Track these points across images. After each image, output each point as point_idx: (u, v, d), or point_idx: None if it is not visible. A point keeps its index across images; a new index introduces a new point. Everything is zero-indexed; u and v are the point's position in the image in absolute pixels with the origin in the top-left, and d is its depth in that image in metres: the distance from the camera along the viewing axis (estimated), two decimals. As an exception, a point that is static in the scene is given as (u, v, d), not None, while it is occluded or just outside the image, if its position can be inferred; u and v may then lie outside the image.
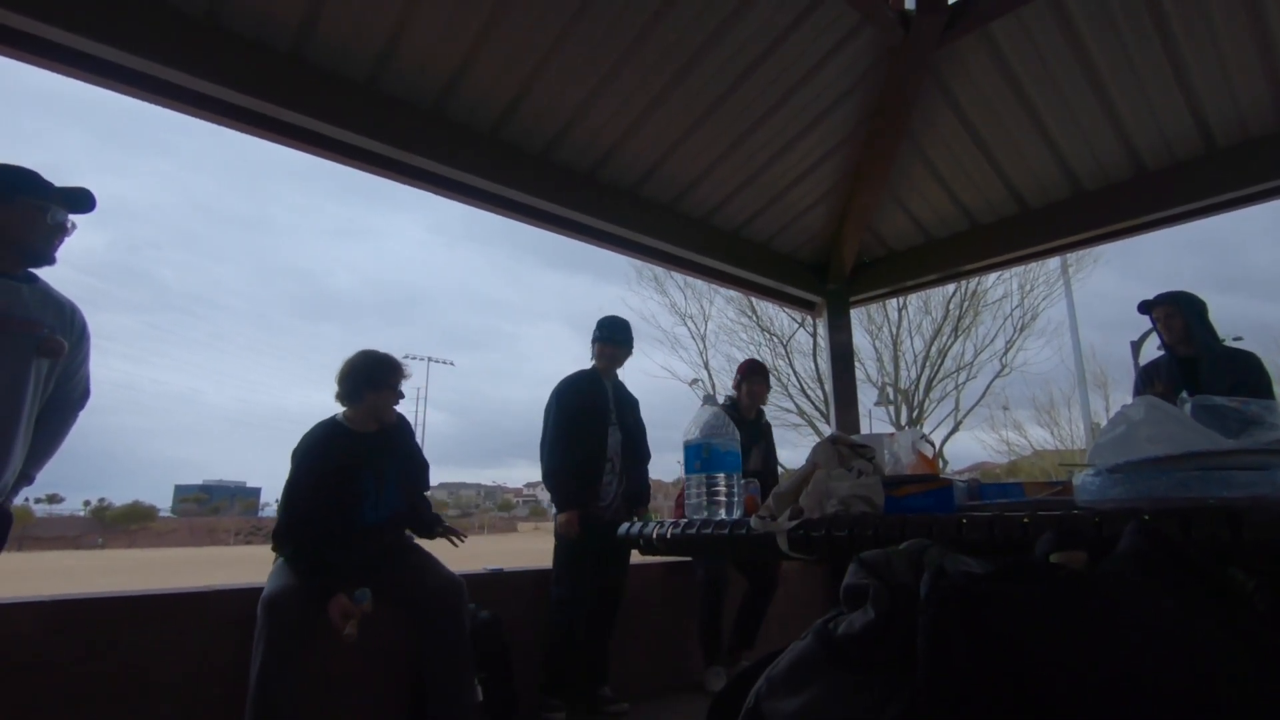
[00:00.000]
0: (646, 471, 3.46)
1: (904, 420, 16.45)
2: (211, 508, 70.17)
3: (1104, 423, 1.41)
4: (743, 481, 1.56)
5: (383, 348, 2.66)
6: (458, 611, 2.43)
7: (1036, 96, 3.34)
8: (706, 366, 17.63)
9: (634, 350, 3.45)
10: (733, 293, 15.12)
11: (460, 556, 2.66)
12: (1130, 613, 0.71)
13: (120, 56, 2.21)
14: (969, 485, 1.48)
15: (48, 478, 2.02)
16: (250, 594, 2.28)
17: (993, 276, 15.18)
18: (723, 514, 1.48)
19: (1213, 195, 3.38)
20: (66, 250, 1.95)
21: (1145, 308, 3.25)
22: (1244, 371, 2.94)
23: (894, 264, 4.56)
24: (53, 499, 58.58)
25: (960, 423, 16.60)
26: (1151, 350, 3.54)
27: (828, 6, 2.97)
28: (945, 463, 15.77)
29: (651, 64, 3.00)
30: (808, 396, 16.44)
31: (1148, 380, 3.22)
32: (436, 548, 2.65)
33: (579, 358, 3.93)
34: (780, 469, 5.05)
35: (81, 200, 1.94)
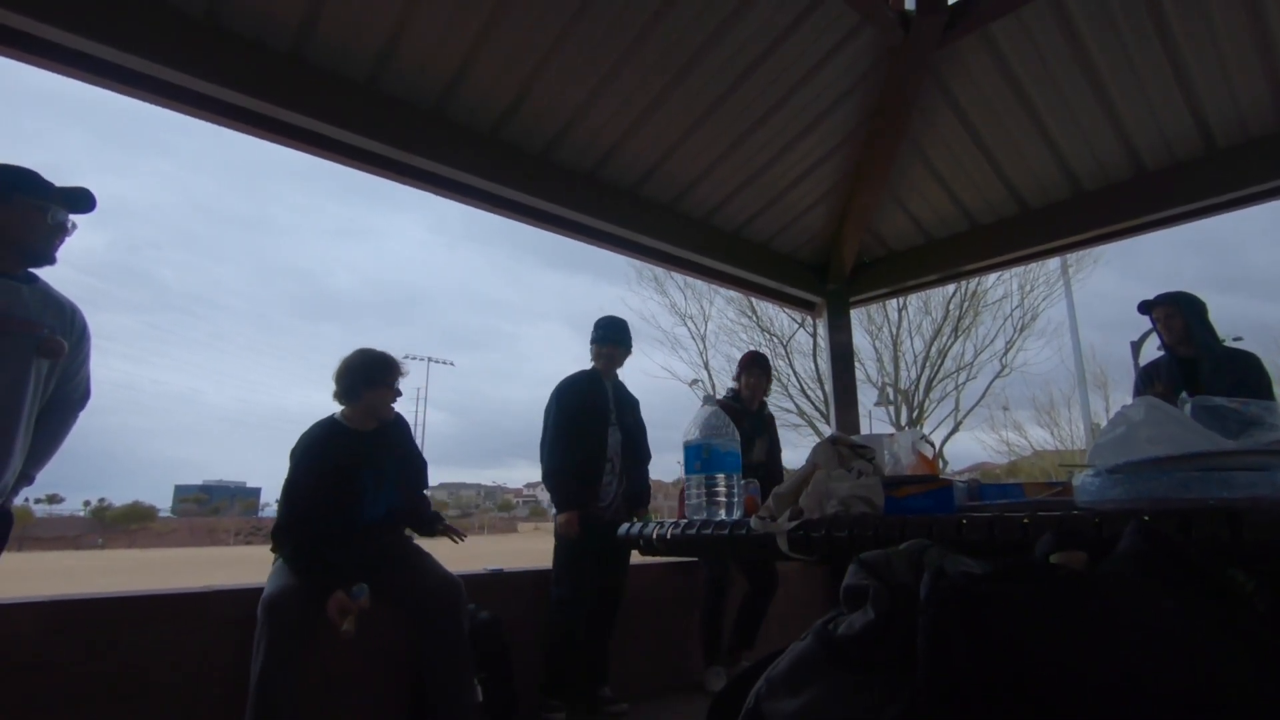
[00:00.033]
0: (646, 472, 3.46)
1: (904, 420, 16.45)
2: (211, 508, 70.19)
3: (1104, 423, 1.41)
4: (743, 482, 1.56)
5: (383, 348, 2.66)
6: (457, 611, 2.42)
7: (1036, 97, 3.34)
8: (706, 367, 17.66)
9: (633, 350, 3.45)
10: (733, 293, 15.13)
11: (460, 556, 2.66)
12: (1130, 613, 0.71)
13: (120, 56, 2.21)
14: (969, 486, 1.49)
15: (48, 478, 2.02)
16: (250, 594, 2.28)
17: (993, 277, 15.21)
18: (723, 514, 1.48)
19: (1213, 195, 3.38)
20: (66, 250, 1.95)
21: (1145, 308, 3.25)
22: (1244, 372, 2.95)
23: (894, 264, 4.56)
24: (53, 499, 58.60)
25: (960, 423, 16.63)
26: (1151, 350, 3.54)
27: (828, 7, 2.97)
28: (945, 463, 15.78)
29: (651, 64, 3.00)
30: (808, 397, 16.45)
31: (1148, 381, 3.22)
32: (437, 548, 2.65)
33: (579, 358, 3.93)
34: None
35: (82, 200, 1.94)
